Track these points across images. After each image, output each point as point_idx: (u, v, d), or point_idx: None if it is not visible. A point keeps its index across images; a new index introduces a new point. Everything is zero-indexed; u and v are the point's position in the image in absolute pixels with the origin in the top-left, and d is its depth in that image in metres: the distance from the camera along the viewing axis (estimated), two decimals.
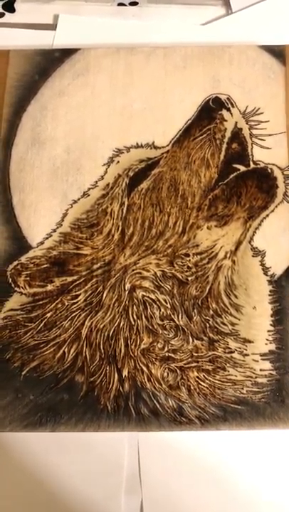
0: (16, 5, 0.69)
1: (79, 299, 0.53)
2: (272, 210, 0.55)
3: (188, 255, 0.53)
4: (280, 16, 0.65)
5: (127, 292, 0.53)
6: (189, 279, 0.53)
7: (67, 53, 0.61)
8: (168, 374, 0.51)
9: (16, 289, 0.54)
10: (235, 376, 0.51)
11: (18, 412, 0.50)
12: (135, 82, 0.59)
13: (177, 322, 0.52)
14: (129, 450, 0.52)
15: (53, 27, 0.67)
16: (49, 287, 0.53)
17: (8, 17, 0.68)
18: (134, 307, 0.52)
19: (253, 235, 0.54)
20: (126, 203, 0.55)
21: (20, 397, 0.51)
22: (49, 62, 0.60)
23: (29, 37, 0.66)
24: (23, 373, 0.51)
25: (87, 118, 0.58)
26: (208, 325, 0.52)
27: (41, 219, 0.56)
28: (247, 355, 0.51)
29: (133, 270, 0.53)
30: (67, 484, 0.51)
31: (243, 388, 0.50)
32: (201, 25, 0.67)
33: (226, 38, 0.64)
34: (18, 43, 0.64)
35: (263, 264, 0.54)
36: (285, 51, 0.59)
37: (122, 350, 0.51)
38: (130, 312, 0.52)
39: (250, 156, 0.56)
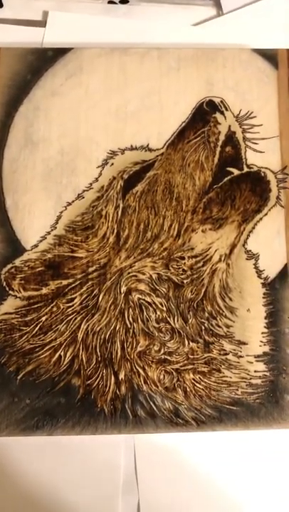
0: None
1: (74, 302, 0.53)
2: (266, 214, 0.55)
3: (183, 258, 0.54)
4: (271, 18, 0.65)
5: (122, 295, 0.53)
6: (185, 281, 0.53)
7: (60, 52, 0.60)
8: (164, 376, 0.51)
9: (11, 292, 0.53)
10: (230, 378, 0.51)
11: (14, 416, 0.50)
12: (129, 83, 0.59)
13: (173, 325, 0.52)
14: (125, 452, 0.53)
15: (42, 24, 0.66)
16: (44, 290, 0.53)
17: None
18: (130, 310, 0.52)
19: (247, 238, 0.55)
20: (121, 206, 0.55)
21: (16, 401, 0.50)
22: (41, 61, 0.59)
23: (18, 34, 0.65)
24: (19, 377, 0.51)
25: (81, 119, 0.58)
26: (203, 327, 0.52)
27: (35, 221, 0.55)
28: (241, 356, 0.52)
29: (129, 273, 0.53)
30: (64, 487, 0.51)
31: (238, 389, 0.51)
32: (192, 26, 0.66)
33: (217, 39, 0.65)
34: (6, 40, 0.63)
35: (256, 267, 0.54)
36: (277, 55, 0.60)
37: (119, 353, 0.52)
38: (126, 315, 0.52)
39: (244, 160, 0.57)
